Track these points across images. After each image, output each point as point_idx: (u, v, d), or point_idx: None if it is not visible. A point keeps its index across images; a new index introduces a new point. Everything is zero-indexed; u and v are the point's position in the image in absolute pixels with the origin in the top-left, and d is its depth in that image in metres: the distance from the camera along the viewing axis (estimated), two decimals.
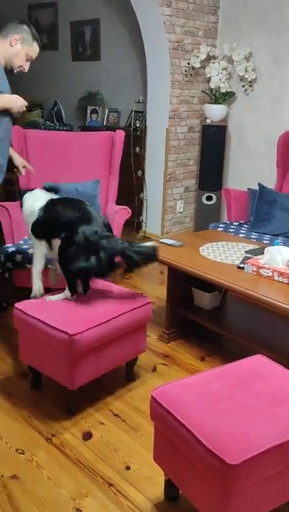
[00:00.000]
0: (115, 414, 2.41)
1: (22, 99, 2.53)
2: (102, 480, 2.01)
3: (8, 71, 2.56)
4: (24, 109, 2.55)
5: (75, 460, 2.11)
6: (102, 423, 2.34)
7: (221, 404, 1.71)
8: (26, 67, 2.60)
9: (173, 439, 1.71)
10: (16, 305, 2.45)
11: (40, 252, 2.56)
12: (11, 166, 2.90)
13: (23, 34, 2.51)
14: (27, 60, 2.58)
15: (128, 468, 2.08)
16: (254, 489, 1.58)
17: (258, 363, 2.00)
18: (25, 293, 3.39)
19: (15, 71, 2.57)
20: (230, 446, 1.52)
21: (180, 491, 1.89)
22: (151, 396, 1.79)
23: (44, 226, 2.51)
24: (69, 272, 2.40)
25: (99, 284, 2.68)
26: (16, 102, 2.50)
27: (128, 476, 2.03)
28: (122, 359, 2.55)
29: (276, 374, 1.92)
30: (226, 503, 1.55)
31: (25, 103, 2.53)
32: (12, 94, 2.55)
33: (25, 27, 2.53)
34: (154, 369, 2.81)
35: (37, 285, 2.63)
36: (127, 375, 2.67)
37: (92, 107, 5.80)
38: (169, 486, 1.90)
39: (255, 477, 1.55)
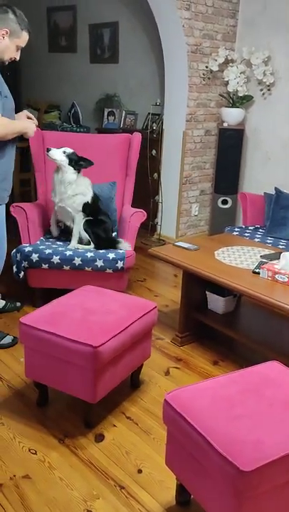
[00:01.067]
0: (128, 417, 2.41)
1: (33, 123, 2.69)
2: (113, 482, 2.01)
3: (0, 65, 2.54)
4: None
5: (87, 462, 2.11)
6: (114, 425, 2.35)
7: (234, 410, 1.71)
8: (17, 56, 2.56)
9: (185, 443, 1.71)
10: (22, 320, 2.32)
11: (80, 219, 3.46)
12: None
13: (10, 26, 2.41)
14: (17, 50, 2.53)
15: (140, 471, 2.08)
16: (267, 496, 1.57)
17: (273, 369, 1.99)
18: (39, 293, 3.43)
19: (6, 63, 2.53)
20: (243, 453, 1.52)
21: (191, 496, 1.89)
22: (165, 400, 1.79)
23: (90, 207, 3.48)
24: (99, 235, 3.48)
25: (101, 291, 2.64)
26: (31, 127, 2.63)
27: (140, 480, 2.03)
28: (133, 366, 2.52)
29: None
30: (238, 509, 1.54)
31: (36, 123, 2.73)
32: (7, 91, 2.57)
33: (11, 16, 2.42)
34: (167, 372, 2.81)
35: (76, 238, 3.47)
36: (132, 381, 2.62)
37: (109, 109, 5.82)
38: (181, 490, 1.90)
39: (268, 484, 1.54)
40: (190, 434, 1.66)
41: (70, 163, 3.31)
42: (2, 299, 3.33)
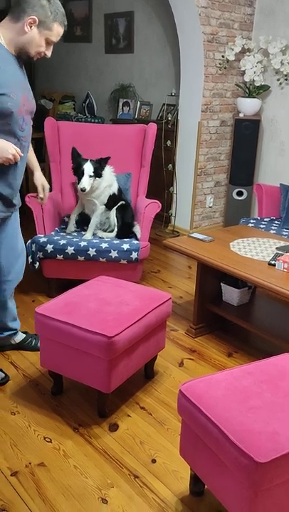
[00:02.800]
0: (142, 407, 2.42)
1: (13, 148, 2.03)
2: (128, 472, 2.02)
3: (25, 59, 2.10)
4: (15, 159, 2.08)
5: (102, 451, 2.13)
6: (128, 415, 2.36)
7: (249, 401, 1.70)
8: (48, 52, 2.11)
9: (200, 434, 1.71)
10: (37, 309, 2.32)
11: (101, 211, 3.54)
12: (30, 188, 2.96)
13: (39, 14, 1.97)
14: (48, 44, 2.08)
15: (154, 461, 2.09)
16: (282, 488, 1.57)
17: (287, 361, 1.97)
18: (54, 284, 3.45)
19: (34, 58, 2.11)
20: (258, 444, 1.51)
21: (205, 487, 1.89)
22: (180, 391, 1.79)
23: (116, 197, 3.58)
24: (124, 222, 3.58)
25: (116, 282, 2.63)
26: (7, 153, 2.02)
27: (154, 469, 2.04)
28: (148, 357, 2.52)
29: None
30: (252, 500, 1.54)
31: (16, 154, 2.04)
32: (25, 82, 2.16)
33: (43, 2, 1.97)
34: (181, 363, 2.81)
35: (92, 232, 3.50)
36: (146, 372, 2.63)
37: (124, 100, 5.80)
38: (195, 480, 1.90)
39: (284, 476, 1.53)
40: (205, 424, 1.66)
41: (96, 176, 3.38)
42: (23, 332, 2.87)
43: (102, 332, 2.14)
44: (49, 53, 2.12)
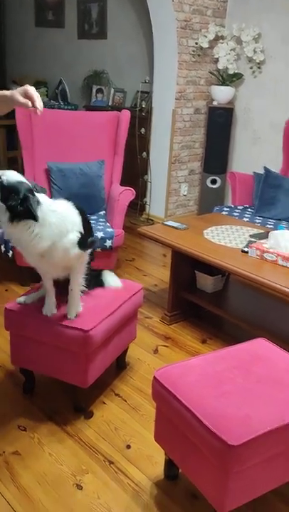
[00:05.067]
0: (117, 394, 2.43)
1: (26, 105, 1.79)
2: (102, 458, 2.03)
3: None
4: None
5: (77, 438, 2.13)
6: (103, 402, 2.36)
7: (222, 386, 1.72)
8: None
9: (174, 419, 1.73)
10: (7, 306, 2.24)
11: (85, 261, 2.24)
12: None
13: None
14: None
15: (128, 447, 2.10)
16: (254, 470, 1.60)
17: (260, 346, 2.01)
18: (28, 272, 3.41)
19: None
20: (231, 428, 1.54)
21: (180, 470, 1.92)
22: (154, 377, 1.81)
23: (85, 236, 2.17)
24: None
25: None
26: None
27: (128, 455, 2.06)
28: (121, 348, 2.52)
29: (278, 358, 1.92)
30: (225, 482, 1.57)
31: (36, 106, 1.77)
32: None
33: None
34: (156, 350, 2.83)
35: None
36: (118, 363, 2.60)
37: (98, 87, 5.73)
38: (169, 465, 1.93)
39: (256, 458, 1.56)
40: (179, 409, 1.68)
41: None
42: None
43: (76, 326, 2.12)
44: None
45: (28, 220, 1.89)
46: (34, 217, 1.88)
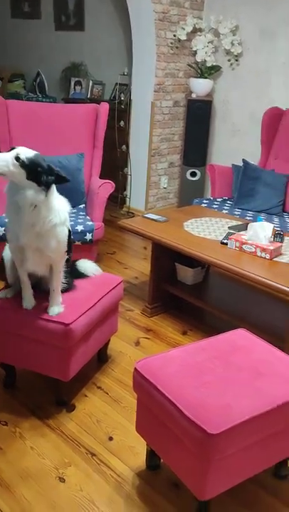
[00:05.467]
0: (98, 387, 2.43)
1: None
2: (85, 450, 2.04)
3: None
4: None
5: (58, 431, 2.14)
6: (85, 395, 2.37)
7: (203, 376, 1.74)
8: None
9: (155, 410, 1.74)
10: None
11: (62, 266, 2.22)
12: None
13: None
14: None
15: (111, 438, 2.11)
16: (233, 458, 1.63)
17: (240, 336, 2.03)
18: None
19: None
20: (211, 417, 1.56)
21: (161, 460, 1.94)
22: (135, 368, 1.82)
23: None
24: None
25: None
26: None
27: (111, 447, 2.07)
28: (103, 341, 2.52)
29: (257, 348, 1.95)
30: (205, 471, 1.59)
31: None
32: None
33: None
34: (137, 343, 2.84)
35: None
36: (99, 356, 2.60)
37: (76, 79, 5.69)
38: (151, 455, 1.94)
39: (235, 446, 1.59)
40: (159, 400, 1.69)
41: (30, 177, 1.92)
42: None
43: (57, 320, 2.12)
44: None
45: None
46: (67, 180, 1.96)
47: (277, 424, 1.68)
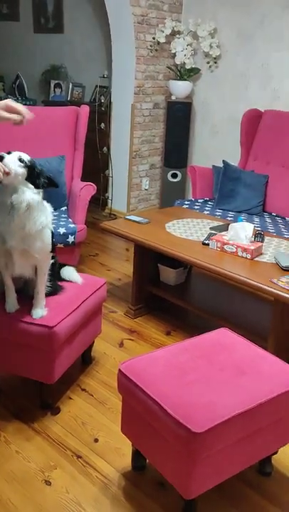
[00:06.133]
0: (83, 389, 2.44)
1: (13, 120, 1.83)
2: (70, 453, 2.04)
3: None
4: None
5: (44, 434, 2.13)
6: (70, 398, 2.37)
7: (186, 376, 1.76)
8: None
9: (140, 410, 1.75)
10: None
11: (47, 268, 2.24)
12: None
13: None
14: None
15: (96, 440, 2.12)
16: (219, 455, 1.65)
17: (222, 335, 2.06)
18: None
19: None
20: (195, 416, 1.58)
21: (147, 461, 1.95)
22: (119, 370, 1.83)
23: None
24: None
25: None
26: None
27: (96, 448, 2.07)
28: (87, 343, 2.52)
29: (240, 346, 1.98)
30: (191, 469, 1.61)
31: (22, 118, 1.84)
32: None
33: None
34: (121, 344, 2.85)
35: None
36: (84, 358, 2.60)
37: (56, 81, 5.68)
38: (137, 456, 1.95)
39: (220, 444, 1.61)
40: (144, 401, 1.71)
41: (29, 178, 2.00)
42: None
43: (42, 322, 2.11)
44: None
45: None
46: (56, 185, 2.04)
47: (261, 421, 1.71)
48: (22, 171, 1.96)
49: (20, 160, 1.97)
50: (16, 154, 1.98)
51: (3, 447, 2.05)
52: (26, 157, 2.00)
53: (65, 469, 1.96)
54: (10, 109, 1.81)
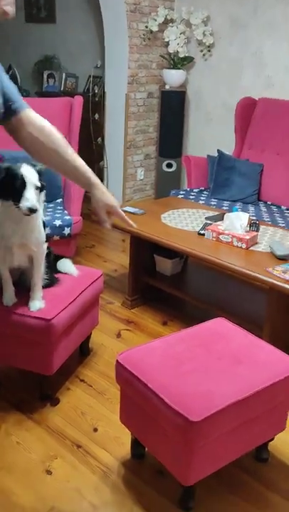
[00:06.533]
0: (82, 380, 2.46)
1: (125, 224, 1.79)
2: (70, 443, 2.07)
3: None
4: None
5: (44, 425, 2.16)
6: (69, 389, 2.40)
7: (184, 366, 1.79)
8: (10, 8, 1.54)
9: (138, 400, 1.78)
10: None
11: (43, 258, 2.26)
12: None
13: None
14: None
15: (95, 430, 2.15)
16: (216, 443, 1.68)
17: (219, 325, 2.08)
18: None
19: None
20: (192, 405, 1.60)
21: (146, 449, 1.98)
22: (117, 361, 1.85)
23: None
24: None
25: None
26: None
27: (96, 438, 2.10)
28: (84, 334, 2.55)
29: (236, 335, 2.00)
30: (189, 457, 1.64)
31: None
32: None
33: None
34: (119, 335, 2.87)
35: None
36: (81, 349, 2.62)
37: (49, 72, 5.64)
38: (136, 444, 1.98)
39: (217, 432, 1.64)
40: (142, 391, 1.73)
41: (42, 189, 2.03)
42: None
43: (39, 315, 2.13)
44: (11, 12, 1.56)
45: None
46: (44, 188, 2.02)
47: (257, 409, 1.74)
48: (42, 199, 2.02)
49: (37, 188, 1.95)
50: (30, 184, 1.91)
51: (3, 439, 2.08)
52: (36, 179, 1.94)
53: (65, 459, 1.99)
54: (110, 213, 1.71)
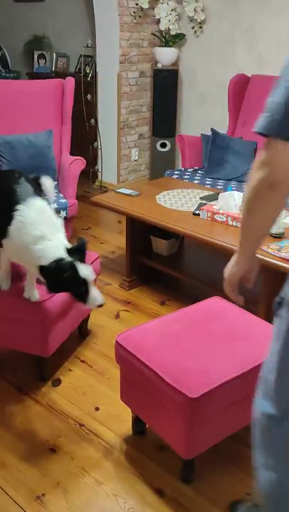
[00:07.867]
0: (82, 361, 2.51)
1: None
2: (73, 421, 2.13)
3: None
4: None
5: (46, 406, 2.21)
6: (70, 370, 2.45)
7: (181, 344, 1.83)
8: None
9: (138, 379, 1.83)
10: None
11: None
12: None
13: None
14: None
15: (97, 409, 2.20)
16: (214, 418, 1.73)
17: (215, 304, 2.12)
18: None
19: None
20: (190, 382, 1.65)
21: (147, 426, 2.04)
22: (116, 341, 1.89)
23: None
24: None
25: None
26: None
27: (98, 416, 2.16)
28: (82, 316, 2.58)
29: (232, 313, 2.04)
30: (188, 432, 1.69)
31: None
32: None
33: None
34: (117, 315, 2.91)
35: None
36: (80, 330, 2.66)
37: (40, 52, 5.57)
38: (137, 421, 2.04)
39: (215, 407, 1.69)
40: (142, 370, 1.78)
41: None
42: None
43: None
44: None
45: None
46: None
47: (253, 385, 1.78)
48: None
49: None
50: (90, 283, 1.97)
51: (7, 421, 2.13)
52: (92, 273, 2.01)
53: (68, 437, 2.05)
54: None
